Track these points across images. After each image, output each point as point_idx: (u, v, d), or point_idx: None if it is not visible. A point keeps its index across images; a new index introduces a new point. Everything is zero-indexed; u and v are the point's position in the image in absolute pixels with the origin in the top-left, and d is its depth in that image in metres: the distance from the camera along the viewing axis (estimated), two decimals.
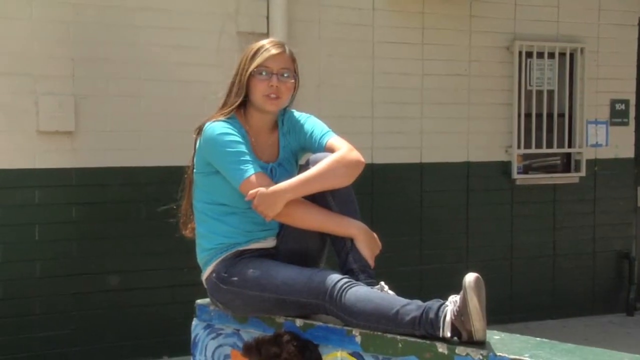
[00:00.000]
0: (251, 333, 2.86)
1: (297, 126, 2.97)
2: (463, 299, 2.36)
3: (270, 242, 2.92)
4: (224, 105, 2.91)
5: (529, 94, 7.73)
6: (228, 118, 2.90)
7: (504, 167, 7.61)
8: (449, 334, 2.42)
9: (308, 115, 3.02)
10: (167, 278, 6.12)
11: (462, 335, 2.41)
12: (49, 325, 5.82)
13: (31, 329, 5.77)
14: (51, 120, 5.72)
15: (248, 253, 2.87)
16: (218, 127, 2.85)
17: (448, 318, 2.41)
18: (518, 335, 2.54)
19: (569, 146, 7.93)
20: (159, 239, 6.13)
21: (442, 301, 2.47)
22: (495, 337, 2.48)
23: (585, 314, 7.80)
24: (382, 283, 2.71)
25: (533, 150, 7.72)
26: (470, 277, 2.35)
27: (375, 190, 6.85)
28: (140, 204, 6.09)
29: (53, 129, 5.73)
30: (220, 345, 3.00)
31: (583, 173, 7.91)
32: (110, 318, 6.03)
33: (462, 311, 2.37)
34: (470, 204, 7.40)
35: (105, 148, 5.94)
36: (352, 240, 2.80)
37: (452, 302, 2.43)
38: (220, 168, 2.85)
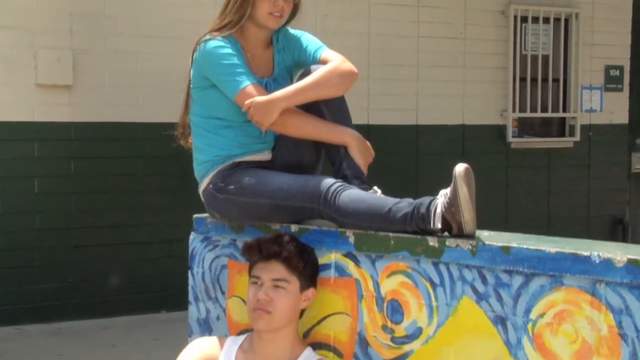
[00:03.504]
0: None
1: (292, 42, 3.03)
2: (453, 189, 2.42)
3: (266, 155, 2.97)
4: (223, 18, 2.95)
5: (523, 58, 7.79)
6: (224, 36, 2.94)
7: (499, 131, 7.67)
8: (439, 226, 2.47)
9: (302, 32, 3.07)
10: (165, 233, 6.18)
11: (453, 228, 2.47)
12: (48, 277, 5.89)
13: (31, 280, 5.84)
14: (49, 74, 5.78)
15: (244, 164, 2.92)
16: (214, 41, 2.91)
17: (439, 210, 2.47)
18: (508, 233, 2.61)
19: (564, 111, 7.99)
20: (156, 194, 6.20)
21: (433, 197, 2.53)
22: (484, 233, 2.54)
23: None
24: (375, 187, 2.77)
25: (528, 114, 7.79)
26: (460, 167, 2.41)
27: None
28: (138, 159, 6.16)
29: (51, 82, 5.79)
30: (217, 257, 3.05)
31: (577, 138, 7.98)
32: (109, 272, 6.10)
33: (452, 202, 2.42)
34: None
35: (103, 103, 6.00)
36: (345, 148, 2.86)
37: (443, 195, 2.48)
38: (215, 81, 2.90)
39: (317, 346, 2.75)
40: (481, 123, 7.58)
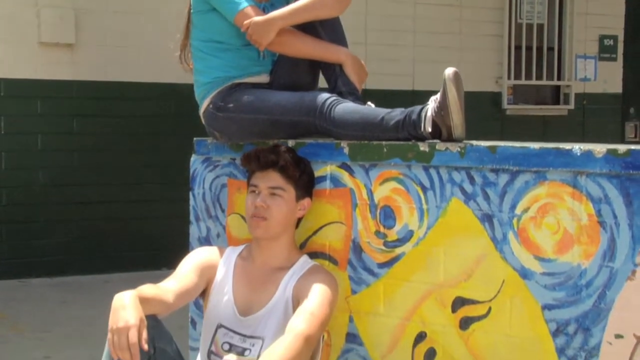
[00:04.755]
0: None
1: None
2: (443, 93, 2.53)
3: (264, 78, 3.08)
4: None
5: (519, 27, 7.90)
6: None
7: (495, 98, 7.78)
8: (429, 129, 2.59)
9: None
10: (166, 191, 6.30)
11: (442, 134, 2.59)
12: (51, 233, 6.01)
13: (35, 235, 5.95)
14: (52, 32, 5.89)
15: (243, 85, 3.03)
16: None
17: (429, 114, 2.59)
18: None
19: (558, 79, 8.10)
20: (157, 153, 6.31)
21: (424, 104, 2.65)
22: (473, 141, 2.66)
23: None
24: (370, 103, 2.88)
25: (523, 82, 7.90)
26: (449, 71, 2.53)
27: None
28: (138, 118, 6.27)
29: (54, 41, 5.90)
30: (217, 177, 3.17)
31: (572, 106, 8.09)
32: (110, 229, 6.21)
33: (442, 105, 2.54)
34: None
35: (104, 62, 6.11)
36: (340, 66, 2.98)
37: (433, 101, 2.60)
38: (215, 4, 3.01)
39: (313, 255, 2.86)
40: (477, 90, 7.67)
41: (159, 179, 6.33)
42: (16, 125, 5.89)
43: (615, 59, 8.36)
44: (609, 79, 8.34)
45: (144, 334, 2.31)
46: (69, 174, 6.05)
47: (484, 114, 7.70)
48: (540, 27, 7.99)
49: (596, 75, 8.26)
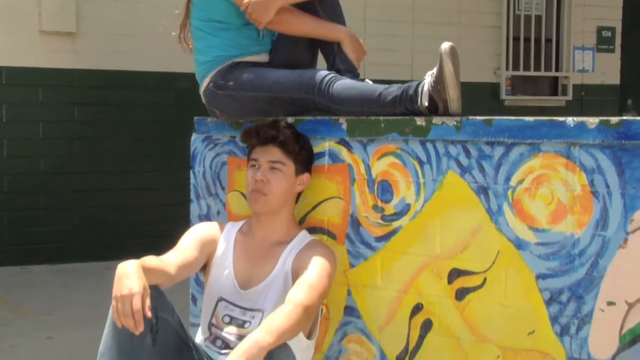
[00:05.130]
0: None
1: None
2: (439, 67, 2.58)
3: (263, 57, 3.13)
4: None
5: (517, 18, 7.95)
6: None
7: (493, 88, 7.82)
8: (426, 104, 2.63)
9: None
10: (165, 179, 6.35)
11: (439, 108, 2.63)
12: (53, 220, 6.05)
13: (36, 223, 6.00)
14: (53, 20, 5.93)
15: (243, 64, 3.08)
16: None
17: (426, 88, 2.63)
18: None
19: (556, 70, 8.15)
20: (157, 142, 6.35)
21: (421, 80, 2.69)
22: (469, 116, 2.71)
23: None
24: (367, 80, 2.93)
25: (521, 73, 7.94)
26: (445, 45, 2.57)
27: None
28: (139, 107, 6.32)
29: (55, 29, 5.94)
30: (217, 155, 3.22)
31: (570, 97, 8.14)
32: (110, 217, 6.26)
33: (438, 79, 2.59)
34: None
35: (105, 51, 6.15)
36: (339, 44, 3.03)
37: (430, 75, 2.65)
38: None
39: (312, 230, 2.91)
40: (475, 80, 7.72)
41: (159, 167, 6.38)
42: (18, 113, 5.94)
43: (613, 51, 8.41)
44: (606, 70, 8.39)
45: (147, 302, 2.35)
46: (70, 162, 6.10)
47: (482, 104, 7.73)
48: (539, 18, 8.04)
49: (594, 67, 8.31)
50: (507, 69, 7.83)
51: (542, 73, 8.08)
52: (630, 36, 8.43)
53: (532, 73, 8.00)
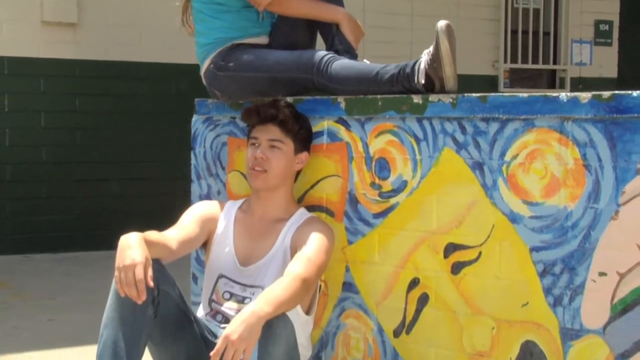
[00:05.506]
0: None
1: None
2: (435, 45, 2.63)
3: (263, 40, 3.18)
4: None
5: (515, 11, 8.00)
6: None
7: (491, 81, 7.87)
8: (423, 81, 2.68)
9: None
10: (165, 170, 6.39)
11: (435, 86, 2.69)
12: (55, 210, 6.11)
13: (38, 212, 6.05)
14: (55, 11, 5.98)
15: (243, 46, 3.13)
16: None
17: (422, 66, 2.68)
18: None
19: (554, 63, 8.20)
20: (157, 132, 6.40)
21: (417, 58, 2.75)
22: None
23: None
24: (365, 60, 2.99)
25: (519, 65, 7.99)
26: (441, 23, 2.63)
27: None
28: (139, 97, 6.37)
29: (56, 20, 5.99)
30: (217, 135, 3.27)
31: (567, 90, 8.18)
32: (112, 206, 6.30)
33: (435, 57, 2.64)
34: None
35: (106, 42, 6.20)
36: (337, 25, 3.08)
37: (426, 54, 2.70)
38: None
39: (310, 208, 2.96)
40: (473, 73, 7.77)
41: (159, 157, 6.43)
42: (20, 103, 5.99)
43: (610, 44, 8.46)
44: (604, 63, 8.44)
45: (150, 272, 2.41)
46: (71, 152, 6.15)
47: None
48: (537, 11, 8.09)
49: (592, 60, 8.36)
50: (505, 61, 7.89)
51: (540, 66, 8.14)
52: (628, 30, 8.48)
53: (530, 66, 8.05)
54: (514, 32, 7.96)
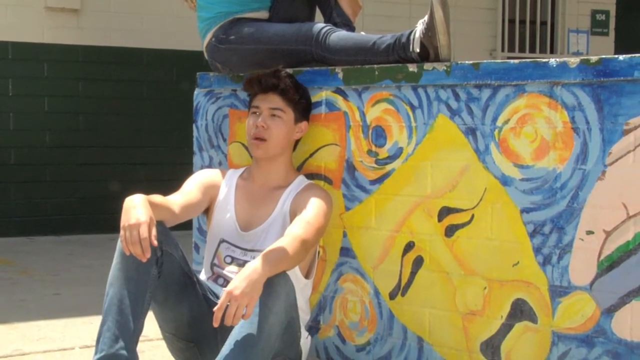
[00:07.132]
0: None
1: None
2: (430, 14, 2.73)
3: (263, 14, 3.27)
4: None
5: (512, 0, 8.09)
6: None
7: None
8: (418, 50, 2.78)
9: None
10: (169, 155, 6.48)
11: (430, 54, 2.78)
12: (58, 193, 6.20)
13: (42, 194, 6.15)
14: None
15: (243, 19, 3.23)
16: None
17: (417, 36, 2.78)
18: None
19: (551, 52, 8.28)
20: (160, 117, 6.49)
21: (413, 28, 2.84)
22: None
23: None
24: (363, 33, 3.08)
25: (516, 54, 8.07)
26: None
27: None
28: (141, 83, 6.46)
29: (60, 5, 6.08)
30: (219, 108, 3.36)
31: None
32: (114, 190, 6.38)
33: (429, 26, 2.73)
34: None
35: (109, 28, 6.29)
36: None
37: (421, 23, 2.79)
38: None
39: (309, 176, 3.05)
40: (470, 62, 7.85)
41: (161, 142, 6.52)
42: (24, 87, 6.09)
43: (607, 34, 8.54)
44: (601, 53, 8.49)
45: (154, 231, 2.49)
46: (74, 136, 6.25)
47: None
48: (534, 1, 8.18)
49: (588, 50, 8.44)
50: (502, 50, 7.97)
51: (537, 55, 8.22)
52: (624, 19, 8.57)
53: (527, 55, 8.13)
54: (511, 21, 8.05)
